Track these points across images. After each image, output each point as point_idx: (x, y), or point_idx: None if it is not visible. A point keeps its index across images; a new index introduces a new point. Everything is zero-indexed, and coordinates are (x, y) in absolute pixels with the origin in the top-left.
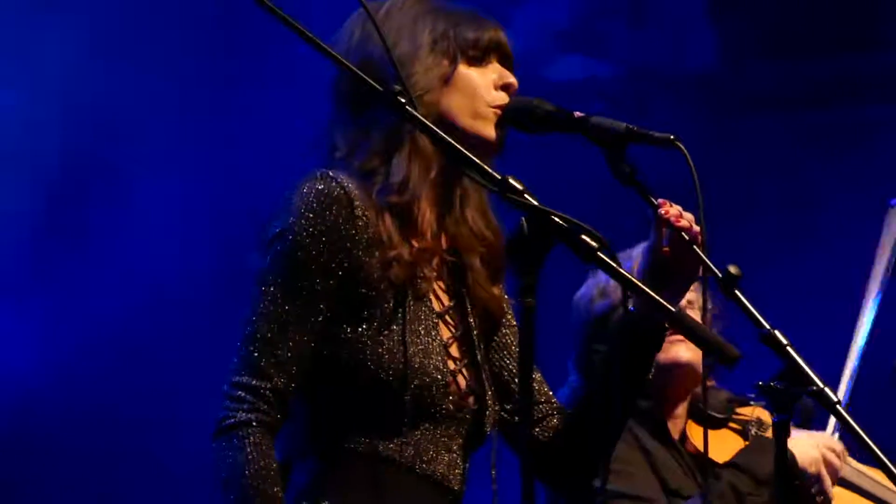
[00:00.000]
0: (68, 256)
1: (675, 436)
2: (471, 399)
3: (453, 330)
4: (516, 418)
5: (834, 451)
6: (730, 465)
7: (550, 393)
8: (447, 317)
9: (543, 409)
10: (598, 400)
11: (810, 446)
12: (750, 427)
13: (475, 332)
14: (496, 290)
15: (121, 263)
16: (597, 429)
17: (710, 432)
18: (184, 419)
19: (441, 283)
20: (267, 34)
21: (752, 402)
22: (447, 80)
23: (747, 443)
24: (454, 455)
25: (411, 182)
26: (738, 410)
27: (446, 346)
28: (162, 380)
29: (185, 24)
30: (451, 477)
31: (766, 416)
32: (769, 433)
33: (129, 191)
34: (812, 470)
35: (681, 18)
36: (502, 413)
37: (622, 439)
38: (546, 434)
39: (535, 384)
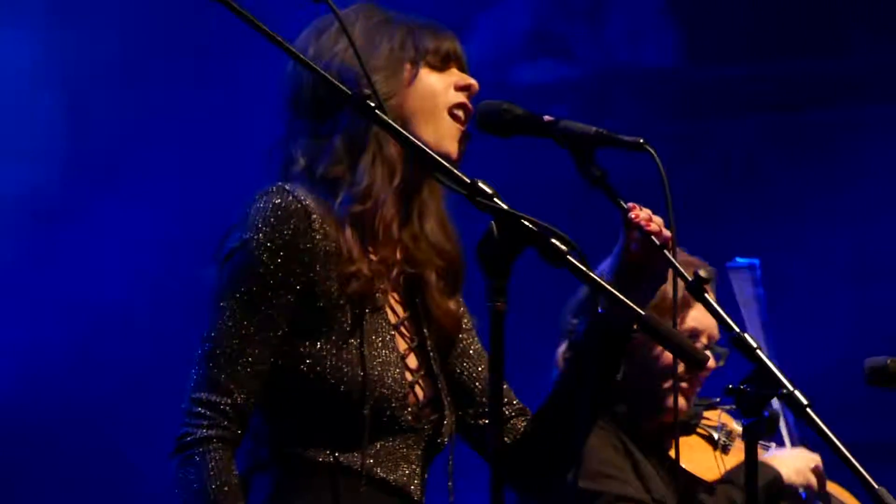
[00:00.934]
0: (40, 251)
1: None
2: (428, 410)
3: (409, 341)
4: (480, 422)
5: (816, 462)
6: (724, 481)
7: (512, 394)
8: (402, 328)
9: (506, 412)
10: (566, 401)
11: (794, 459)
12: (718, 436)
13: (430, 343)
14: (452, 304)
15: (102, 259)
16: (564, 430)
17: (680, 439)
18: (154, 418)
19: (396, 295)
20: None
21: (717, 406)
22: (409, 83)
23: (717, 451)
24: (413, 466)
25: (375, 188)
26: (705, 415)
27: (403, 358)
28: (132, 379)
29: (156, 25)
30: (412, 487)
31: (730, 421)
32: (738, 443)
33: (111, 188)
34: (800, 480)
35: (645, 19)
36: (465, 417)
37: (611, 444)
38: (510, 436)
39: None
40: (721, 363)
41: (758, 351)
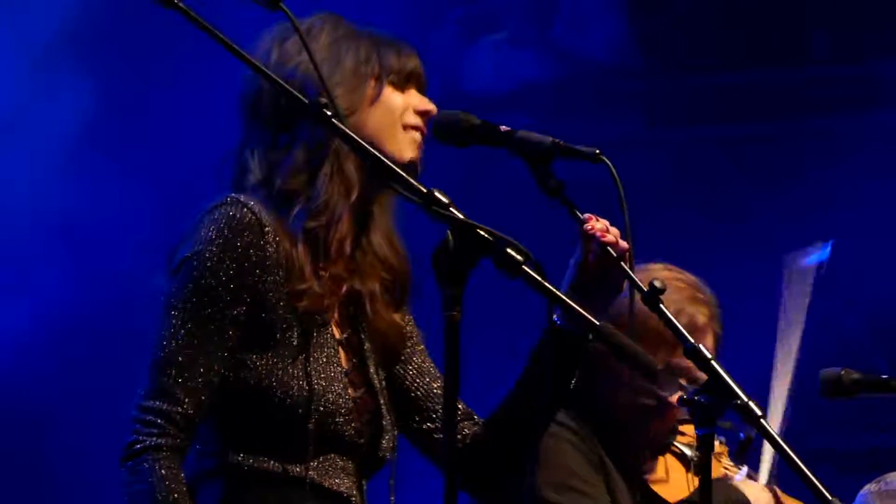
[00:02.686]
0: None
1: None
2: (370, 425)
3: (352, 357)
4: (425, 426)
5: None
6: (686, 502)
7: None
8: (346, 343)
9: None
10: (520, 408)
11: (762, 490)
12: (689, 452)
13: (373, 358)
14: (397, 317)
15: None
16: (517, 436)
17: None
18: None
19: (341, 310)
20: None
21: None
22: (373, 100)
23: (690, 472)
24: (353, 479)
25: (332, 203)
26: (682, 429)
27: (347, 374)
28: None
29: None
30: (353, 500)
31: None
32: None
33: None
34: None
35: (603, 25)
36: (410, 423)
37: (582, 453)
38: (459, 440)
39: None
40: None
41: (712, 362)
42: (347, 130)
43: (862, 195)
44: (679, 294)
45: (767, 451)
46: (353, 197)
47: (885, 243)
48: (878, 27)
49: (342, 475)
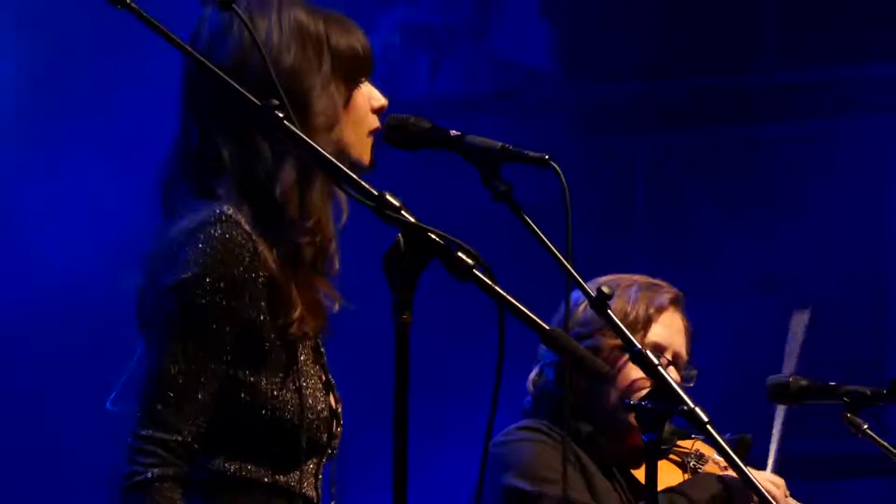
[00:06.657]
0: None
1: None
2: (339, 430)
3: (323, 368)
4: None
5: (776, 485)
6: (668, 490)
7: None
8: (319, 355)
9: None
10: None
11: (770, 478)
12: (689, 459)
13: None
14: None
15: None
16: None
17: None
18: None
19: None
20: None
21: (693, 436)
22: (344, 107)
23: (686, 475)
24: (317, 478)
25: (322, 222)
26: (680, 443)
27: (328, 384)
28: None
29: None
30: (316, 497)
31: (705, 449)
32: (708, 466)
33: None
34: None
35: (536, 30)
36: None
37: (560, 454)
38: None
39: None
40: (691, 384)
41: (658, 367)
42: (299, 133)
43: (808, 198)
44: (635, 286)
45: (773, 453)
46: (343, 219)
47: (830, 246)
48: (828, 31)
49: (310, 477)
